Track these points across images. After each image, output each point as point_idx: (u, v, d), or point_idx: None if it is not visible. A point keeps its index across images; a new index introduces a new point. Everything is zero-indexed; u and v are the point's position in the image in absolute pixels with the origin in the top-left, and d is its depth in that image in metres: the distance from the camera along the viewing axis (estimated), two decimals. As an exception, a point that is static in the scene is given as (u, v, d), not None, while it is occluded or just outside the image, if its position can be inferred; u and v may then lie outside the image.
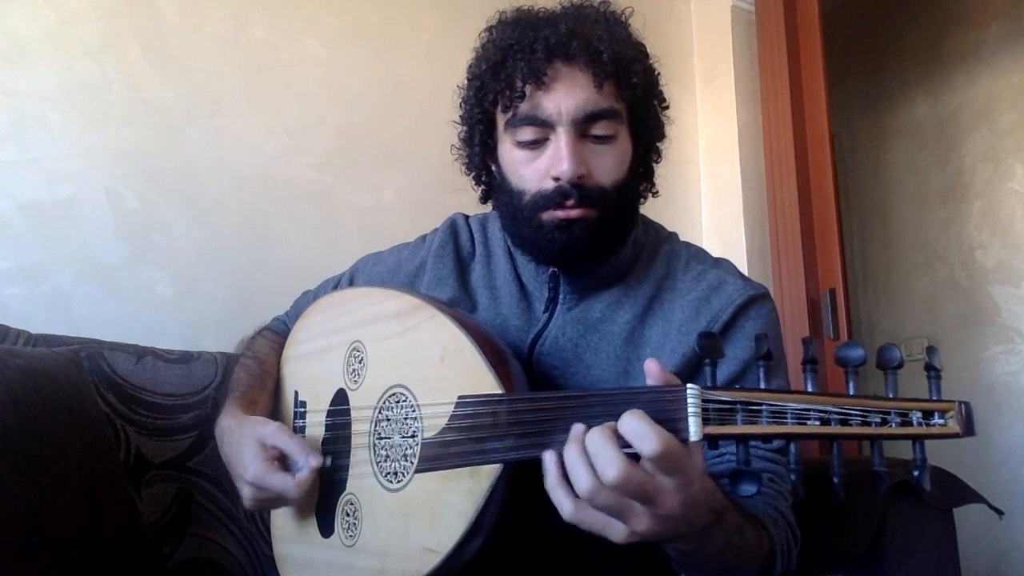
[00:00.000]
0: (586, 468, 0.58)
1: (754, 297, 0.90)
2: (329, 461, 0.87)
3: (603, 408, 0.61)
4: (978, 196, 2.85)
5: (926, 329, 2.94)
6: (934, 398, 0.58)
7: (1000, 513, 1.11)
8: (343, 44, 1.73)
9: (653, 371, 0.61)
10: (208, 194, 1.52)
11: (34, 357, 1.03)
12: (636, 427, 0.56)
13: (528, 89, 0.84)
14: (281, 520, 0.98)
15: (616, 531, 0.61)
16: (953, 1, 2.98)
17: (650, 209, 1.01)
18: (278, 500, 0.87)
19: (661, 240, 0.99)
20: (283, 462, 0.86)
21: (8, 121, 1.35)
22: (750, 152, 2.16)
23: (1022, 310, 2.68)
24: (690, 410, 0.56)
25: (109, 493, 1.03)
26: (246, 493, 0.86)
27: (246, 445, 0.87)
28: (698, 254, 0.98)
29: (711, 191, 2.23)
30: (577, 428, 0.60)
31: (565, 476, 0.61)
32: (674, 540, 0.66)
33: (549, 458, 0.62)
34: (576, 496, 0.60)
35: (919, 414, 0.57)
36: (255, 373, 1.03)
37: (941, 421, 0.57)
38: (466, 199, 1.10)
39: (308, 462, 0.83)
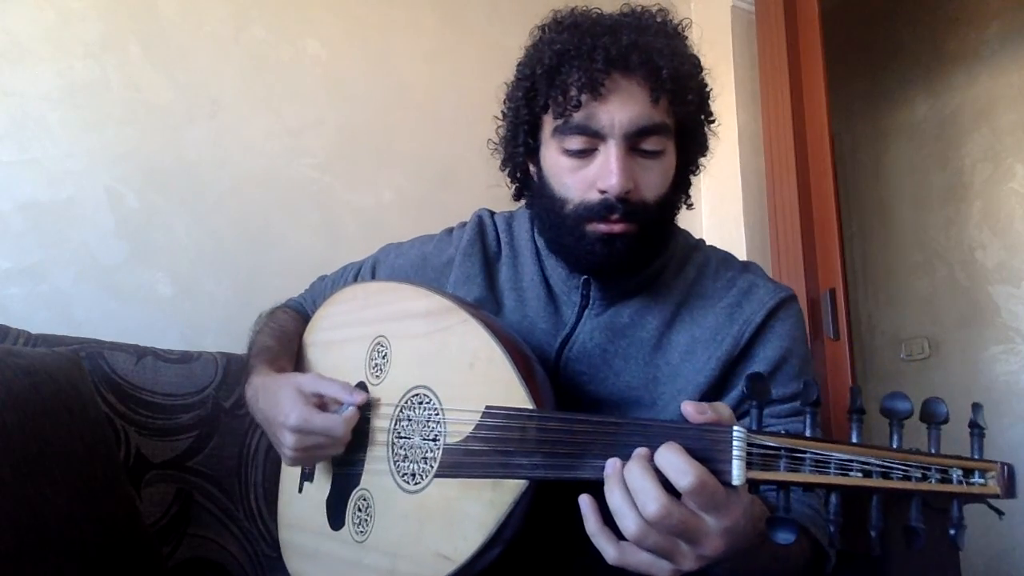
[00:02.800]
0: (632, 509, 0.57)
1: (783, 299, 0.92)
2: (371, 395, 0.87)
3: (640, 439, 0.60)
4: (978, 196, 2.84)
5: (926, 329, 2.94)
6: (976, 457, 0.57)
7: (1000, 513, 1.11)
8: (343, 44, 1.73)
9: (689, 414, 0.59)
10: (208, 194, 1.52)
11: (34, 357, 1.03)
12: (672, 461, 0.56)
13: (583, 98, 0.82)
14: (289, 507, 0.98)
15: (663, 570, 0.60)
16: (953, 1, 2.98)
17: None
18: (324, 443, 0.85)
19: (690, 247, 0.98)
20: (323, 408, 0.86)
21: (8, 121, 1.35)
22: (750, 152, 2.16)
23: (1022, 310, 2.68)
24: (735, 453, 0.55)
25: (109, 493, 1.03)
26: (288, 441, 0.85)
27: (284, 394, 0.87)
28: (727, 260, 0.98)
29: (711, 191, 2.23)
30: (614, 465, 0.59)
31: (605, 520, 0.60)
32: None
33: (587, 504, 0.61)
34: (619, 539, 0.59)
35: (959, 472, 0.56)
36: (283, 341, 1.03)
37: (981, 480, 0.56)
38: (467, 198, 1.10)
39: (353, 399, 0.84)
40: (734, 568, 0.67)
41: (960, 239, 2.88)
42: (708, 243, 1.02)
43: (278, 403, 0.87)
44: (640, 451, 0.58)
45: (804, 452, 0.55)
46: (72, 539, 0.93)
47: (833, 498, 0.56)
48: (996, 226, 2.78)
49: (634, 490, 0.57)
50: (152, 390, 1.21)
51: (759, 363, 0.88)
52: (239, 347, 1.19)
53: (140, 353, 1.24)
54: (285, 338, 1.04)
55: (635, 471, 0.58)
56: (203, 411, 1.23)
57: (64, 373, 1.05)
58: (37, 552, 0.88)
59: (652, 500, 0.56)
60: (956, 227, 2.90)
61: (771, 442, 0.55)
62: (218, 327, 1.48)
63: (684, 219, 2.16)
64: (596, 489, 0.61)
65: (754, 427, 0.56)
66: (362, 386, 0.90)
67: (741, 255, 2.10)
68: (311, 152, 1.66)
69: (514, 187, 0.99)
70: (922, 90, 3.06)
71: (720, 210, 2.19)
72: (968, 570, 1.30)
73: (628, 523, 0.58)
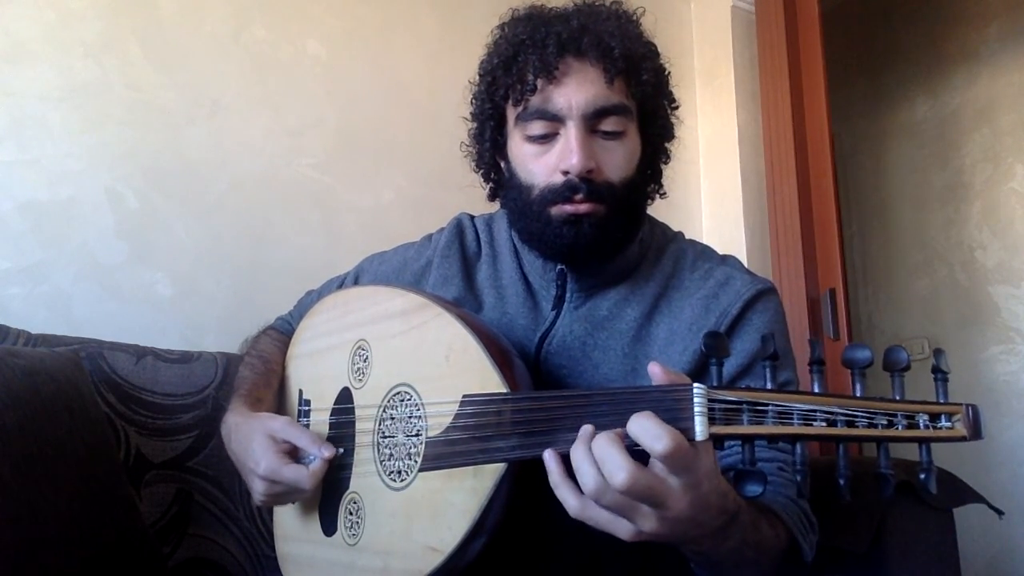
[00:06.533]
0: (592, 467, 0.58)
1: (761, 291, 0.91)
2: (341, 450, 0.87)
3: (609, 407, 0.61)
4: (978, 196, 2.84)
5: (926, 329, 2.94)
6: (941, 401, 0.57)
7: (1000, 513, 1.11)
8: (343, 44, 1.73)
9: (656, 374, 0.61)
10: (208, 194, 1.52)
11: (34, 357, 1.03)
12: (646, 426, 0.56)
13: (539, 83, 0.84)
14: (283, 519, 0.98)
15: (623, 529, 0.61)
16: (953, 1, 2.98)
17: (650, 209, 1.01)
18: (291, 493, 0.87)
19: (668, 239, 0.99)
20: (293, 456, 0.87)
21: (8, 121, 1.35)
22: (750, 152, 2.16)
23: (1022, 310, 2.68)
24: (696, 409, 0.55)
25: (109, 493, 1.03)
26: (258, 488, 0.87)
27: (255, 440, 0.87)
28: (704, 252, 0.98)
29: (711, 191, 2.23)
30: (586, 429, 0.61)
31: (568, 473, 0.61)
32: (687, 542, 0.66)
33: (550, 457, 0.63)
34: (582, 493, 0.60)
35: (926, 417, 0.56)
36: (260, 371, 1.03)
37: (948, 424, 0.56)
38: (466, 198, 1.10)
39: (321, 452, 0.85)
40: (703, 551, 0.68)
41: (960, 239, 2.88)
42: (708, 243, 1.02)
43: (249, 448, 0.88)
44: (615, 431, 0.59)
45: (766, 405, 0.56)
46: (72, 539, 0.93)
47: (798, 448, 0.57)
48: (996, 226, 2.78)
49: (601, 459, 0.58)
50: (152, 390, 1.21)
51: (736, 356, 0.87)
52: (238, 347, 1.19)
53: (140, 353, 1.24)
54: (264, 366, 1.05)
55: (602, 441, 0.58)
56: (203, 411, 1.23)
57: (64, 373, 1.05)
58: (37, 552, 0.88)
59: (619, 469, 0.56)
60: (956, 227, 2.90)
61: (732, 396, 0.56)
62: (218, 327, 1.48)
63: (685, 219, 2.16)
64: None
65: (714, 383, 0.57)
66: (346, 392, 0.91)
67: (741, 255, 2.10)
68: (311, 152, 1.66)
69: (488, 187, 1.00)
70: (922, 90, 3.06)
71: (720, 210, 2.19)
72: (968, 570, 1.30)
73: (587, 480, 0.59)
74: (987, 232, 2.80)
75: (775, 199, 2.05)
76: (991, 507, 1.12)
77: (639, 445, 0.57)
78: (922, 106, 3.06)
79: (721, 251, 1.00)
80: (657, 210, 1.02)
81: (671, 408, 0.57)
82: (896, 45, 3.16)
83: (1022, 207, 2.72)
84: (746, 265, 0.99)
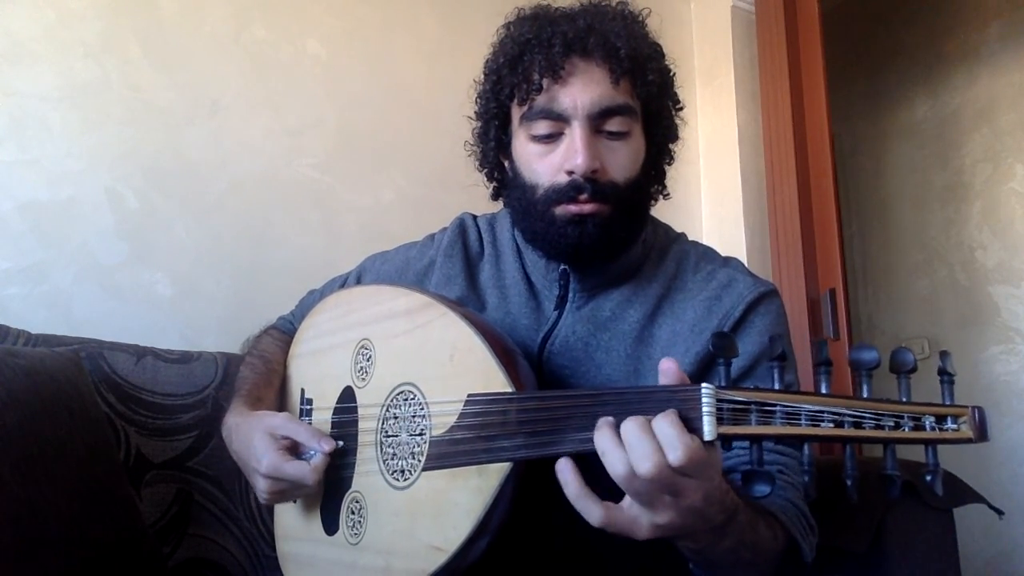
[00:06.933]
0: (620, 450, 0.58)
1: (764, 294, 0.91)
2: (341, 443, 0.87)
3: (616, 407, 0.61)
4: (978, 196, 2.84)
5: (926, 329, 2.94)
6: (947, 403, 0.57)
7: (1000, 513, 1.11)
8: (343, 44, 1.73)
9: (670, 370, 0.61)
10: (208, 194, 1.52)
11: (34, 357, 1.03)
12: (667, 433, 0.56)
13: (545, 82, 0.85)
14: (284, 518, 0.98)
15: (642, 527, 0.61)
16: (953, 1, 2.98)
17: (650, 209, 1.01)
18: (295, 489, 0.87)
19: (670, 240, 0.99)
20: (294, 452, 0.87)
21: (8, 121, 1.35)
22: (750, 152, 2.16)
23: (1022, 310, 2.68)
24: (705, 410, 0.56)
25: (109, 493, 1.03)
26: (261, 486, 0.87)
27: (256, 438, 0.87)
28: (707, 254, 0.98)
29: (711, 191, 2.23)
30: (606, 419, 0.60)
31: (586, 483, 0.61)
32: (688, 537, 0.66)
33: (566, 467, 0.62)
34: (602, 501, 0.60)
35: (932, 418, 0.57)
36: (260, 371, 1.03)
37: (954, 426, 0.57)
38: (467, 197, 1.10)
39: (321, 446, 0.84)
40: (701, 548, 0.68)
41: (960, 239, 2.88)
42: (708, 243, 1.02)
43: (250, 447, 0.88)
44: (644, 417, 0.59)
45: (774, 405, 0.56)
46: (72, 539, 0.93)
47: (806, 448, 0.57)
48: (996, 226, 2.78)
49: (630, 445, 0.58)
50: (152, 390, 1.21)
51: (738, 357, 0.87)
52: (239, 347, 1.19)
53: (140, 353, 1.24)
54: (265, 366, 1.05)
55: (633, 427, 0.58)
56: (203, 411, 1.23)
57: (64, 373, 1.05)
58: (37, 552, 0.88)
59: (646, 458, 0.56)
60: (956, 227, 2.90)
61: (740, 397, 0.56)
62: (218, 327, 1.48)
63: (685, 219, 2.16)
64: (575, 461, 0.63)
65: (722, 384, 0.57)
66: (349, 391, 0.91)
67: (741, 255, 2.10)
68: (311, 152, 1.66)
69: (492, 187, 1.00)
70: (922, 90, 3.06)
71: (720, 210, 2.19)
72: (968, 570, 1.30)
73: (617, 465, 0.58)
74: (987, 232, 2.80)
75: (775, 199, 2.05)
76: (991, 507, 1.12)
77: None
78: (922, 106, 3.06)
79: (721, 251, 1.00)
80: (657, 210, 1.02)
81: (680, 408, 0.57)
82: (896, 45, 3.16)
83: (1022, 207, 2.72)
84: (746, 265, 0.99)
